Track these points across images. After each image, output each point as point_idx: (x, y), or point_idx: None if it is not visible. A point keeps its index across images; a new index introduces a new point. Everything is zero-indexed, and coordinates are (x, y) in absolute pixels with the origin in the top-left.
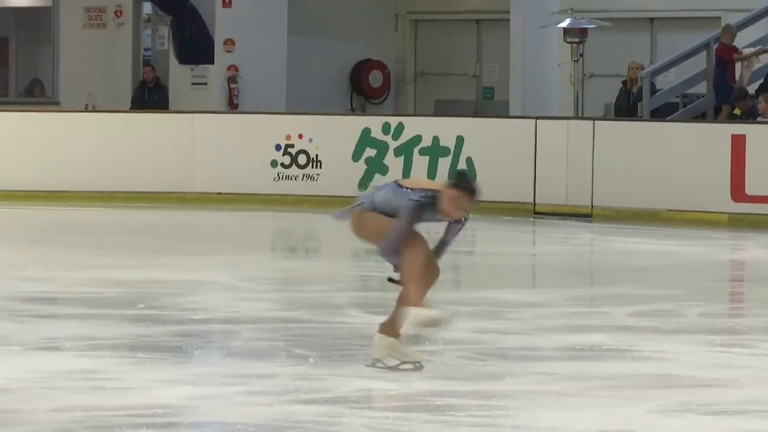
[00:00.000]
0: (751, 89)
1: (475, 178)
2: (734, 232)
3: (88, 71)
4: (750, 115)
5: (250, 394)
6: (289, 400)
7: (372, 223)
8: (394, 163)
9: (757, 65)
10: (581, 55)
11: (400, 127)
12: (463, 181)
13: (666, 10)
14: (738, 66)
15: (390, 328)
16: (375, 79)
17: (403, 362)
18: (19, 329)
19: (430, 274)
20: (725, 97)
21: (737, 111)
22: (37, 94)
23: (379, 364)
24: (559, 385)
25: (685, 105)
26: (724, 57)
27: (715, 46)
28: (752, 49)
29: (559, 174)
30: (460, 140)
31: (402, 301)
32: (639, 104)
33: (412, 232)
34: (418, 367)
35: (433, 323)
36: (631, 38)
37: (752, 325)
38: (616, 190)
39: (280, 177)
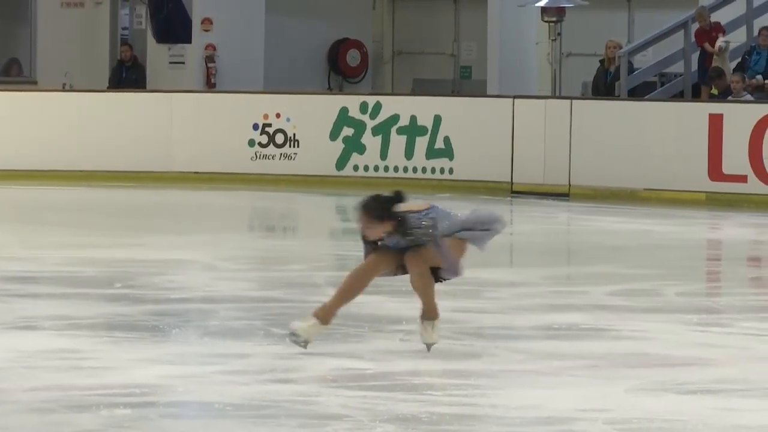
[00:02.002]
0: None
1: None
2: (712, 211)
3: (65, 50)
4: (727, 94)
5: (228, 374)
6: (266, 379)
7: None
8: (371, 142)
9: (731, 46)
10: (559, 34)
11: (378, 107)
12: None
13: None
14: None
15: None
16: (353, 58)
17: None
18: None
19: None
20: (705, 79)
21: (714, 91)
22: (14, 74)
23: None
24: (537, 364)
25: (662, 84)
26: (698, 43)
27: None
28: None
29: (537, 153)
30: (437, 119)
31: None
32: (616, 83)
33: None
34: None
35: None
36: (608, 17)
37: (730, 304)
38: (594, 169)
39: (258, 156)
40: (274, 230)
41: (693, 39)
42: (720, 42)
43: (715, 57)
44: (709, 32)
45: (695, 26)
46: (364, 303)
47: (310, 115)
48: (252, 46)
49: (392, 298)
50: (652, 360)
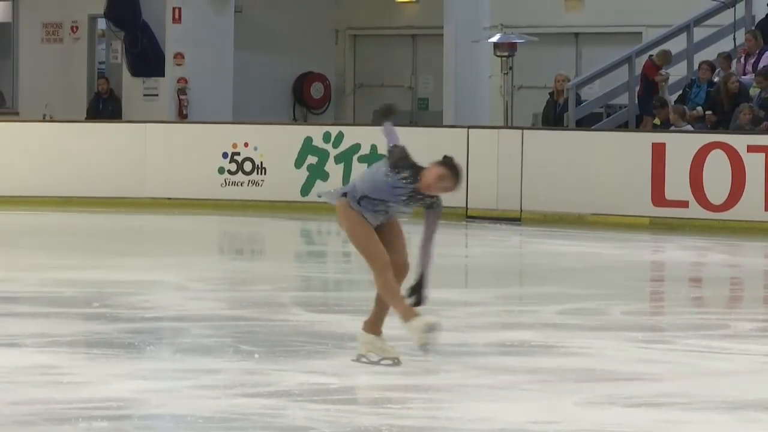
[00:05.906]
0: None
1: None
2: (655, 235)
3: (45, 83)
4: (669, 124)
5: (199, 388)
6: (235, 393)
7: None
8: (334, 170)
9: (672, 79)
10: (510, 68)
11: (340, 136)
12: (454, 164)
13: (590, 25)
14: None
15: (371, 325)
16: (316, 90)
17: (383, 358)
18: None
19: (398, 273)
20: (650, 109)
21: (657, 121)
22: None
23: (363, 359)
24: (490, 379)
25: (608, 115)
26: (649, 75)
27: (645, 62)
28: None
29: (490, 180)
30: None
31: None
32: (565, 114)
33: (374, 239)
34: (396, 362)
35: (432, 327)
36: (557, 52)
37: (672, 322)
38: (544, 195)
39: (227, 183)
40: (243, 253)
41: (641, 71)
42: (661, 72)
43: (661, 86)
44: (654, 70)
45: (640, 60)
46: (327, 322)
47: (277, 144)
48: (221, 79)
49: (353, 317)
50: (599, 375)
